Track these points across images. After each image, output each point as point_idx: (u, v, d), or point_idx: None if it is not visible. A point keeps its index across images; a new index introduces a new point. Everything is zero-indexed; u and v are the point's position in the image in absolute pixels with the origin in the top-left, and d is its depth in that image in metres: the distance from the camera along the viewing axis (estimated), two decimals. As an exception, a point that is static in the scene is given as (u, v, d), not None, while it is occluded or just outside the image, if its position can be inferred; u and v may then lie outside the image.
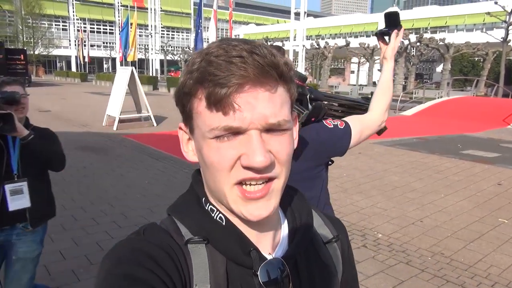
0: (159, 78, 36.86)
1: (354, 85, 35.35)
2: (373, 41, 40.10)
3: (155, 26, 46.59)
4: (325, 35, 56.38)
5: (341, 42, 38.16)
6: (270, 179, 0.57)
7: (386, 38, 1.68)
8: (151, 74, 43.71)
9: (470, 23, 44.59)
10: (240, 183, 0.57)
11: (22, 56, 31.41)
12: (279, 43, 40.44)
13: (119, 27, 45.13)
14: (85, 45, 47.36)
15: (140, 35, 46.64)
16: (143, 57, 48.10)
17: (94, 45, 64.05)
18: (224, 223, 0.62)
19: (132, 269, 0.55)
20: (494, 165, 7.59)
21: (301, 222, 0.68)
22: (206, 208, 0.64)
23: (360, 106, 1.78)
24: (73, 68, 60.41)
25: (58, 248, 3.80)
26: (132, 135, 10.28)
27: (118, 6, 65.02)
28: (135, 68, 12.29)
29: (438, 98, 20.19)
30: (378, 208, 5.14)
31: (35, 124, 2.51)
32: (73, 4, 64.54)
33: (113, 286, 0.53)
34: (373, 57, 35.65)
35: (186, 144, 0.65)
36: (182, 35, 75.97)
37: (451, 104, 16.30)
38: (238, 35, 59.02)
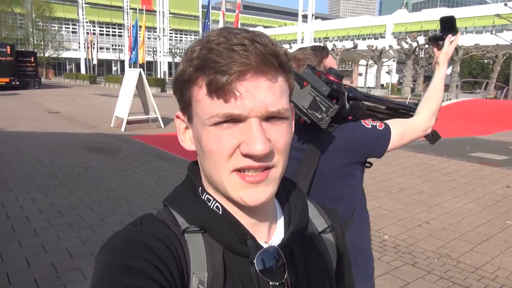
0: (167, 80, 37.09)
1: (362, 87, 35.20)
2: (381, 43, 39.99)
3: (163, 28, 46.97)
4: (333, 37, 56.28)
5: (348, 44, 38.05)
6: (268, 168, 0.58)
7: (441, 43, 1.64)
8: (159, 76, 44.00)
9: (480, 25, 44.20)
10: (239, 170, 0.57)
11: (32, 59, 31.93)
12: (286, 46, 40.46)
13: (127, 29, 45.46)
14: (94, 48, 47.86)
15: (148, 38, 46.98)
16: (151, 59, 48.44)
17: (103, 48, 64.64)
18: (220, 212, 0.62)
19: (128, 259, 0.54)
20: (502, 167, 7.51)
21: (296, 212, 0.69)
22: (203, 197, 0.64)
23: (409, 110, 1.73)
24: (82, 70, 61.02)
25: (65, 246, 3.84)
26: (139, 136, 10.35)
27: (127, 9, 65.63)
28: (143, 70, 12.39)
29: (447, 100, 20.02)
30: (385, 209, 5.12)
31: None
32: (83, 7, 65.31)
33: (110, 276, 0.53)
34: (381, 59, 35.48)
35: (183, 133, 0.65)
36: (190, 38, 76.35)
37: (460, 106, 16.16)
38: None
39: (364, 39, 51.48)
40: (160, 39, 45.13)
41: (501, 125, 13.08)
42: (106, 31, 68.63)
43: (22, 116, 13.97)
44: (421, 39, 31.14)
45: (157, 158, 7.86)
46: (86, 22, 65.23)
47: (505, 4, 23.88)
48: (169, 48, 46.98)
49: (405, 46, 30.64)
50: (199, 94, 0.57)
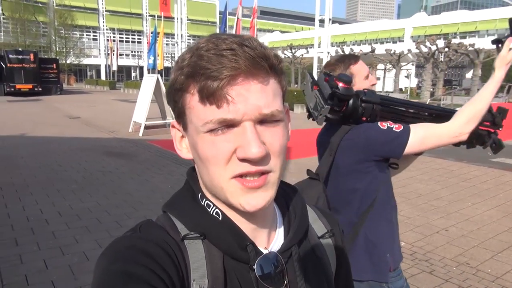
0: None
1: (380, 91, 34.81)
2: (399, 47, 39.49)
3: (181, 35, 47.54)
4: (350, 41, 55.93)
5: (366, 48, 37.73)
6: (266, 172, 0.58)
7: (500, 46, 1.53)
8: (177, 82, 44.40)
9: (502, 28, 43.23)
10: (238, 176, 0.57)
11: (54, 65, 32.85)
12: (303, 50, 40.36)
13: (147, 36, 46.23)
14: (114, 54, 48.83)
15: (166, 44, 47.64)
16: (169, 65, 49.08)
17: (123, 54, 65.86)
18: (220, 218, 0.62)
19: (127, 265, 0.54)
20: (526, 173, 7.29)
21: (296, 217, 0.69)
22: (202, 203, 0.64)
23: (447, 113, 1.67)
24: (103, 77, 62.26)
25: (82, 249, 3.90)
26: (156, 141, 10.47)
27: (146, 16, 66.76)
28: (161, 76, 12.57)
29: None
30: (402, 216, 5.03)
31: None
32: (103, 14, 66.72)
33: (109, 283, 0.53)
34: (400, 63, 35.04)
35: (179, 142, 0.65)
36: (208, 44, 76.91)
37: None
38: (263, 43, 59.16)
39: (382, 43, 50.95)
40: (178, 45, 45.66)
41: (524, 129, 12.71)
42: (126, 38, 69.92)
43: (43, 122, 14.34)
44: (441, 43, 30.62)
45: (173, 162, 7.94)
46: (107, 29, 66.58)
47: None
48: (187, 54, 47.51)
49: (424, 49, 30.18)
50: (191, 102, 0.57)
